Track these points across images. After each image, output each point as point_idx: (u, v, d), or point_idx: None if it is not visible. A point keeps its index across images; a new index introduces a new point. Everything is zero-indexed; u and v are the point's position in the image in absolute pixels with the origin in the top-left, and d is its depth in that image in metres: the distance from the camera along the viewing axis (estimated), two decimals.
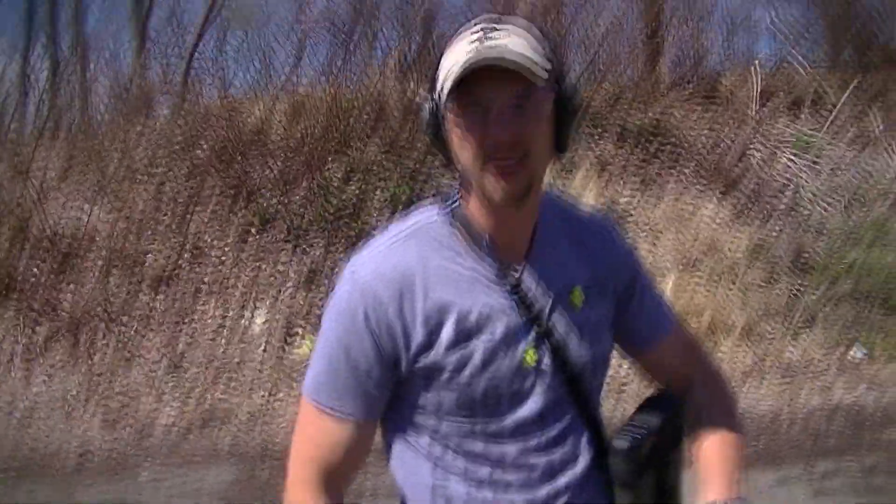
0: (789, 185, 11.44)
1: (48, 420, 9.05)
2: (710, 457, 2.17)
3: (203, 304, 10.28)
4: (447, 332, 1.96)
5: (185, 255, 10.79)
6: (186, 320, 10.12)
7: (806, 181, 11.47)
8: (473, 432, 2.03)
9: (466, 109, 1.87)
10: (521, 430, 2.04)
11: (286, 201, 11.10)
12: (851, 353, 9.46)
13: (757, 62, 13.14)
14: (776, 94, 12.69)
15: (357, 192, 11.24)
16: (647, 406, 2.20)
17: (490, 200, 1.95)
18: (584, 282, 2.09)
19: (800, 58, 13.29)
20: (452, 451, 2.05)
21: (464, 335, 1.96)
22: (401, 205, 11.01)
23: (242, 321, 10.05)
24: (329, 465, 2.05)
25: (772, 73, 13.18)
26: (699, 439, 2.19)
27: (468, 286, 1.99)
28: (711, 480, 2.13)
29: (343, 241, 10.73)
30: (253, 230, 10.95)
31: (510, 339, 2.00)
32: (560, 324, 2.04)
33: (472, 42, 1.85)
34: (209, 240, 10.95)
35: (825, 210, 11.13)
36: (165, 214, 11.30)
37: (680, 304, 9.47)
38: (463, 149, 1.92)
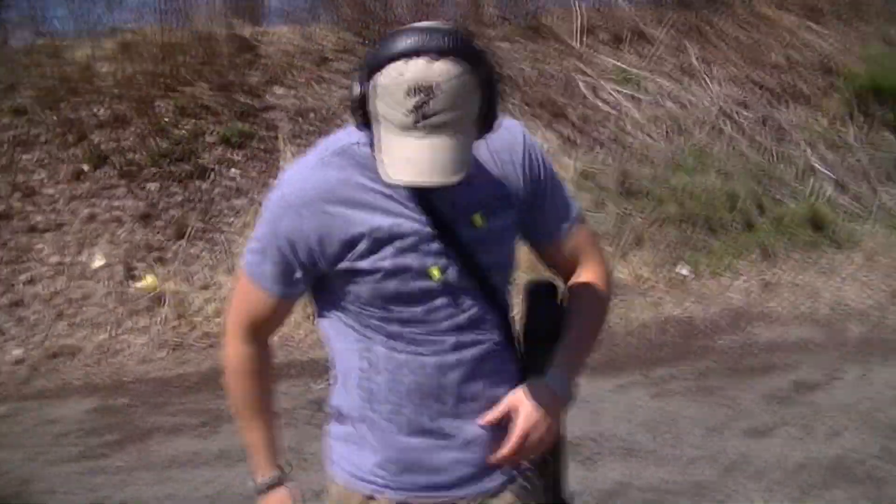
0: (613, 117, 11.83)
1: None
2: (562, 340, 2.43)
3: (39, 245, 10.14)
4: (362, 244, 2.23)
5: (16, 196, 10.60)
6: (23, 261, 9.98)
7: (630, 112, 11.88)
8: (388, 318, 2.32)
9: None
10: (432, 317, 2.32)
11: (118, 141, 11.00)
12: (677, 270, 9.90)
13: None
14: (599, 30, 13.08)
15: (189, 130, 11.20)
16: (535, 290, 2.48)
17: None
18: (489, 198, 2.32)
19: None
20: (373, 329, 2.35)
21: (376, 245, 2.24)
22: (233, 142, 11.04)
23: (81, 259, 9.95)
24: (254, 321, 2.45)
25: (594, 10, 13.56)
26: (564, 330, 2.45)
27: (383, 204, 2.24)
28: (555, 357, 2.41)
29: (177, 179, 10.70)
30: (85, 170, 10.82)
31: (418, 250, 2.26)
32: (465, 236, 2.29)
33: (407, 117, 2.00)
34: (41, 181, 10.78)
35: (649, 138, 11.56)
36: None
37: None
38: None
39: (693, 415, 6.55)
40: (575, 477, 2.54)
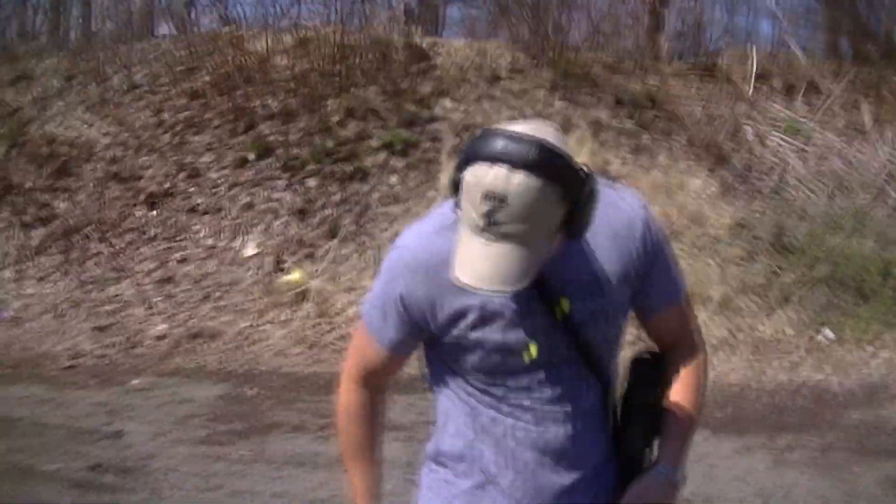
0: (777, 167, 11.67)
1: (38, 322, 9.25)
2: (668, 429, 2.49)
3: (196, 226, 10.46)
4: (471, 315, 2.31)
5: (182, 177, 10.95)
6: (179, 239, 10.31)
7: (794, 165, 11.71)
8: (494, 384, 2.41)
9: None
10: (537, 388, 2.40)
11: (285, 134, 11.26)
12: (821, 335, 9.73)
13: (755, 44, 13.39)
14: (772, 77, 12.93)
15: (355, 132, 11.41)
16: (641, 365, 2.54)
17: None
18: (601, 277, 2.37)
19: (797, 43, 13.53)
20: (478, 392, 2.44)
21: (484, 319, 2.31)
22: (396, 149, 11.19)
23: (234, 245, 10.23)
24: (368, 370, 2.55)
25: (769, 56, 13.41)
26: (665, 409, 2.51)
27: None
28: (664, 447, 2.48)
29: (337, 178, 10.90)
30: (250, 159, 11.11)
31: (524, 326, 2.33)
32: (574, 313, 2.34)
33: (479, 220, 2.06)
34: (206, 164, 11.12)
35: (810, 195, 11.38)
36: (165, 134, 11.47)
37: None
38: None
39: (810, 489, 6.42)
40: None
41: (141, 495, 5.93)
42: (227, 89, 11.78)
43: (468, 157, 2.08)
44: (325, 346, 9.03)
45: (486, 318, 2.31)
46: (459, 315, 2.31)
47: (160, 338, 9.06)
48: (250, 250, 10.16)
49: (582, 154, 11.14)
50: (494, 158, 2.04)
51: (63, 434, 6.89)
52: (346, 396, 2.58)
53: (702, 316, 9.71)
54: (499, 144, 2.05)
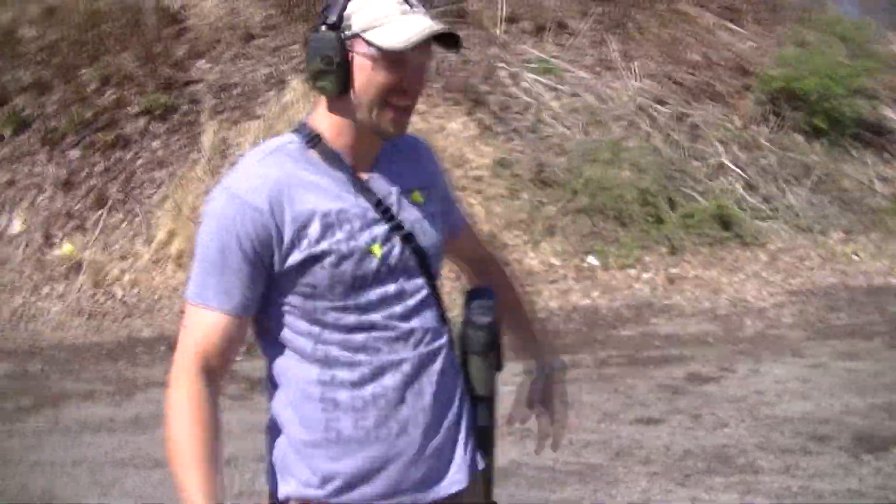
0: (533, 106, 12.06)
1: None
2: (522, 325, 2.84)
3: None
4: (314, 229, 2.27)
5: None
6: None
7: (548, 102, 12.12)
8: (346, 308, 2.35)
9: (391, 58, 2.24)
10: (386, 302, 2.39)
11: (41, 107, 11.06)
12: (587, 261, 10.19)
13: None
14: (521, 19, 13.32)
15: (112, 100, 11.28)
16: (476, 294, 2.64)
17: (381, 131, 2.33)
18: (420, 185, 2.50)
19: None
20: (329, 328, 2.36)
21: (328, 229, 2.28)
22: (156, 114, 11.13)
23: None
24: (210, 350, 2.29)
25: None
26: (503, 309, 2.66)
27: (326, 191, 2.31)
28: (535, 344, 2.84)
29: (99, 148, 10.78)
30: (6, 135, 10.89)
31: (365, 232, 2.34)
32: (407, 217, 2.43)
33: (403, 5, 2.26)
34: None
35: (566, 130, 11.80)
36: None
37: None
38: (370, 85, 2.27)
39: (590, 401, 6.80)
40: None
41: None
42: None
43: None
44: (104, 315, 8.99)
45: (330, 226, 2.29)
46: (303, 227, 2.27)
47: None
48: (17, 227, 9.98)
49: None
50: None
51: None
52: (182, 391, 2.27)
53: None
54: None
